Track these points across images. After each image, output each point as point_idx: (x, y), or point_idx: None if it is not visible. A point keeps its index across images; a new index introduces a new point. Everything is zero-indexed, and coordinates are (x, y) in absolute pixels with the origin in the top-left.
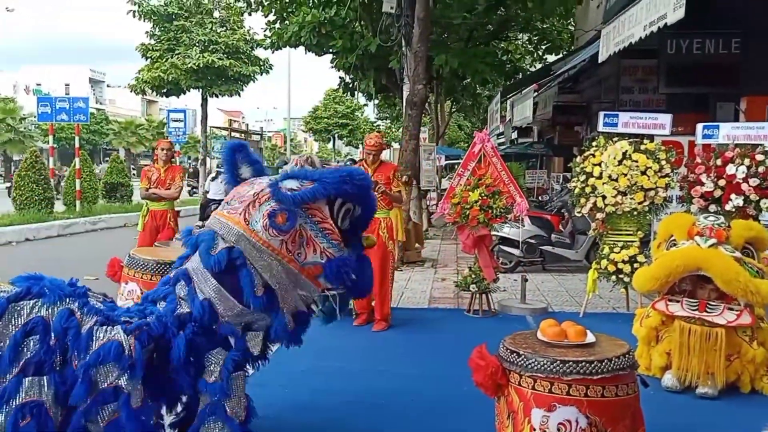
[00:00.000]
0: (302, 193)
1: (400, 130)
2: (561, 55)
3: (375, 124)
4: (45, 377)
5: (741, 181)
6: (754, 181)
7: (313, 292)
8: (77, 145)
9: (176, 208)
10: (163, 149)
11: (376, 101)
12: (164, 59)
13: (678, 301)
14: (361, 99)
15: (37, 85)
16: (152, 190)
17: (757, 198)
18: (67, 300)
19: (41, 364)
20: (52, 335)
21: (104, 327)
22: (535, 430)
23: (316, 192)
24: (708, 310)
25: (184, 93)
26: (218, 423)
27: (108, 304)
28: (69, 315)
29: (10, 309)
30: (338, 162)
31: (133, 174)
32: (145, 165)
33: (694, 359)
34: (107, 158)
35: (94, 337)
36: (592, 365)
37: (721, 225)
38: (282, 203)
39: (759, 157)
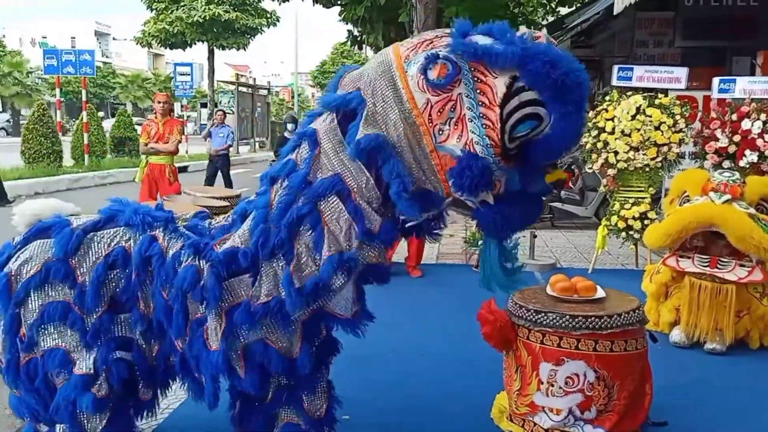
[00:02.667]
0: (488, 47)
1: None
2: (574, 8)
3: None
4: (132, 313)
5: (756, 136)
6: None
7: (436, 191)
8: (84, 98)
9: (185, 164)
10: (160, 102)
11: None
12: (169, 11)
13: (689, 258)
14: (369, 53)
15: (43, 38)
16: (151, 145)
17: None
18: (152, 226)
19: (126, 298)
20: (134, 267)
21: (189, 252)
22: (543, 383)
23: (507, 54)
24: (719, 266)
25: (190, 46)
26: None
27: (201, 223)
28: (151, 241)
29: (86, 240)
30: None
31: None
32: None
33: (703, 315)
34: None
35: (180, 262)
36: (602, 320)
37: (736, 181)
38: (455, 51)
39: None
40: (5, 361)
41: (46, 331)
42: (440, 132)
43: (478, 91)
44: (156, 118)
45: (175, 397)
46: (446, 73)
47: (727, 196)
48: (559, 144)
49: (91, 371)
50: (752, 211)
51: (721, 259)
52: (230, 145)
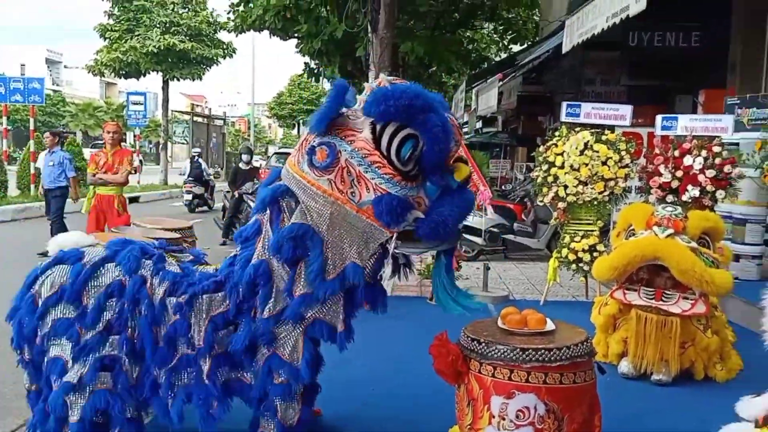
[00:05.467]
0: (325, 108)
1: None
2: (526, 45)
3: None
4: (121, 336)
5: (698, 172)
6: (710, 173)
7: (384, 237)
8: (32, 127)
9: (136, 194)
10: (109, 132)
11: None
12: (123, 40)
13: (635, 290)
14: (327, 85)
15: None
16: (99, 175)
17: (713, 189)
18: (143, 267)
19: (118, 324)
20: (125, 300)
21: (174, 298)
22: (494, 417)
23: (336, 104)
24: (664, 299)
25: (144, 76)
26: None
27: (188, 266)
28: (141, 284)
29: (94, 275)
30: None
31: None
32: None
33: (649, 347)
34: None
35: (168, 307)
36: (551, 353)
37: (678, 215)
38: (311, 130)
39: (715, 149)
40: (30, 360)
41: (53, 342)
42: (353, 195)
43: (357, 149)
44: (105, 148)
45: None
46: (327, 154)
47: (670, 231)
48: (438, 146)
49: (76, 381)
50: (694, 245)
51: (666, 291)
52: (75, 177)
